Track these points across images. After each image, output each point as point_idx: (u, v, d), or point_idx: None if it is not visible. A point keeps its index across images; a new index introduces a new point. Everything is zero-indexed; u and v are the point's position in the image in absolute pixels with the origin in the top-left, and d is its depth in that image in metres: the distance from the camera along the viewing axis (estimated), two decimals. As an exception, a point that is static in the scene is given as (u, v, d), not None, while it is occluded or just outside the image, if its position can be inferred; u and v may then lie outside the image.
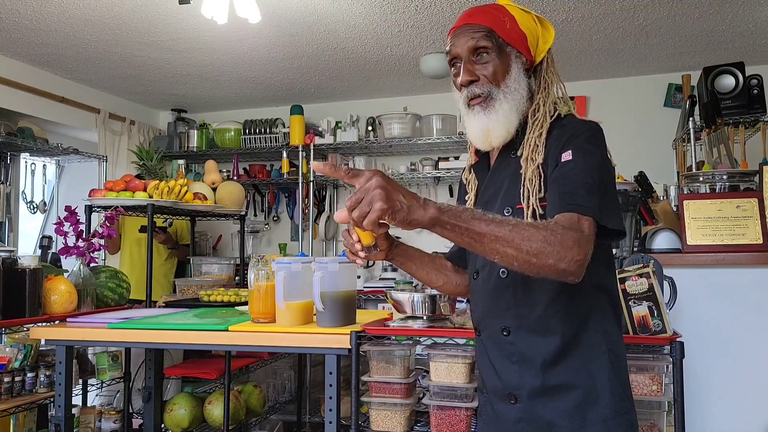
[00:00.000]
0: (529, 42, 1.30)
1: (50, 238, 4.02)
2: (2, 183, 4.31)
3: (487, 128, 1.28)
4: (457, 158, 4.39)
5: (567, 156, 1.19)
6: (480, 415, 1.41)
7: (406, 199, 1.00)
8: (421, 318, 1.96)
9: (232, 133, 4.85)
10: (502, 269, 1.27)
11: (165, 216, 3.43)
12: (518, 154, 1.29)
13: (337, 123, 4.61)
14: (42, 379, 2.56)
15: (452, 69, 1.33)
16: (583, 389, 1.21)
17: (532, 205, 1.22)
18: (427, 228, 1.03)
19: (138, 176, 3.26)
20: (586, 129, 1.24)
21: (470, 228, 1.03)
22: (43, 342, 2.57)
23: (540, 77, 1.33)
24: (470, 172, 1.44)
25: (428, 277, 1.54)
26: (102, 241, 2.73)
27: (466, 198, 1.45)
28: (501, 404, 1.28)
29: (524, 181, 1.24)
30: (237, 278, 3.57)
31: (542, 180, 1.22)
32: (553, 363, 1.22)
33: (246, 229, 4.09)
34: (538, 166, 1.23)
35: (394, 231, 1.33)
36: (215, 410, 2.84)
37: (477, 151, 1.41)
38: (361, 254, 1.44)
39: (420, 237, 4.62)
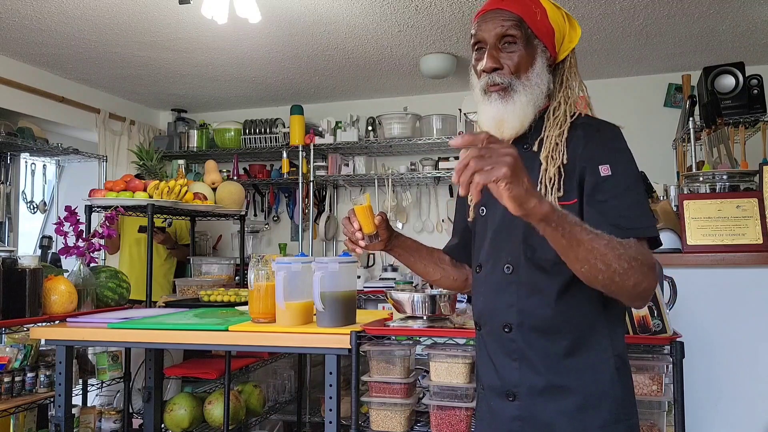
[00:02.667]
0: (555, 38, 1.28)
1: (50, 238, 4.02)
2: (2, 183, 4.31)
3: (501, 118, 1.25)
4: (456, 158, 4.39)
5: (605, 170, 1.18)
6: (475, 411, 1.40)
7: (529, 184, 0.98)
8: (421, 318, 1.96)
9: (232, 133, 4.85)
10: (507, 264, 1.25)
11: (164, 216, 3.43)
12: (533, 149, 1.26)
13: (337, 123, 4.61)
14: (42, 379, 2.55)
15: (474, 53, 1.30)
16: (585, 392, 1.19)
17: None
18: (532, 221, 1.01)
19: (138, 176, 3.26)
20: (613, 134, 1.23)
21: (573, 233, 1.03)
22: (43, 342, 2.57)
23: (561, 75, 1.31)
24: None
25: (426, 270, 1.53)
26: (102, 241, 2.73)
27: None
28: (498, 401, 1.27)
29: (542, 179, 1.22)
30: (237, 278, 3.57)
31: (562, 180, 1.21)
32: (557, 363, 1.20)
33: (246, 229, 4.09)
34: (559, 166, 1.21)
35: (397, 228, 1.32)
36: (215, 410, 2.84)
37: None
38: (361, 243, 1.43)
39: (420, 237, 4.62)
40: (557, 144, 1.23)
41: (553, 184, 1.21)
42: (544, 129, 1.27)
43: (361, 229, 1.41)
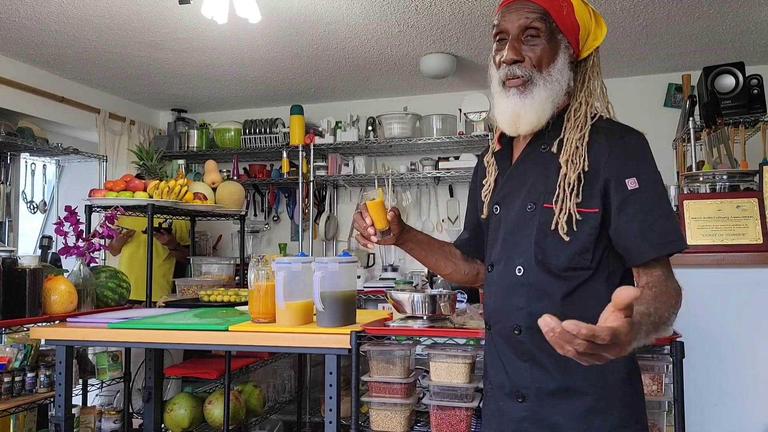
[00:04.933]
0: (580, 35, 1.26)
1: (50, 238, 4.02)
2: (2, 183, 4.31)
3: (518, 112, 1.23)
4: (457, 158, 4.39)
5: (633, 184, 1.16)
6: (482, 411, 1.39)
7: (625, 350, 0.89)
8: (421, 318, 1.95)
9: (232, 133, 4.85)
10: (518, 266, 1.24)
11: (165, 216, 3.43)
12: (552, 150, 1.25)
13: (337, 123, 4.61)
14: (42, 379, 2.55)
15: (495, 43, 1.28)
16: (594, 396, 1.18)
17: (569, 209, 1.19)
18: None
19: (138, 176, 3.26)
20: (637, 142, 1.22)
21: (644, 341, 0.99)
22: (43, 342, 2.57)
23: (583, 74, 1.29)
24: (492, 156, 1.40)
25: (437, 264, 1.51)
26: (102, 241, 2.73)
27: (483, 182, 1.40)
28: (506, 401, 1.26)
29: (561, 183, 1.20)
30: (237, 278, 3.57)
31: (581, 186, 1.19)
32: (567, 366, 1.18)
33: (246, 229, 4.09)
34: (580, 172, 1.19)
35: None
36: (215, 410, 2.84)
37: (500, 139, 1.37)
38: (374, 239, 1.42)
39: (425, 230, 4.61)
40: (578, 148, 1.21)
41: (572, 189, 1.19)
42: (563, 129, 1.25)
43: (373, 225, 1.40)
